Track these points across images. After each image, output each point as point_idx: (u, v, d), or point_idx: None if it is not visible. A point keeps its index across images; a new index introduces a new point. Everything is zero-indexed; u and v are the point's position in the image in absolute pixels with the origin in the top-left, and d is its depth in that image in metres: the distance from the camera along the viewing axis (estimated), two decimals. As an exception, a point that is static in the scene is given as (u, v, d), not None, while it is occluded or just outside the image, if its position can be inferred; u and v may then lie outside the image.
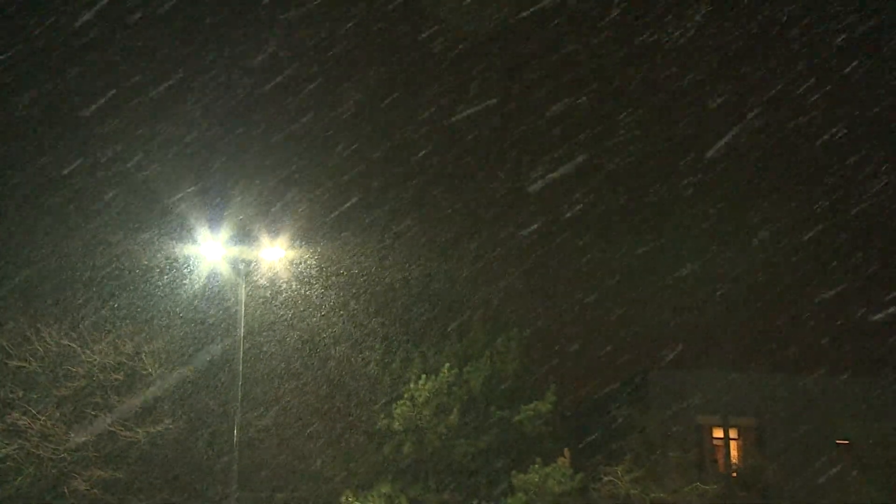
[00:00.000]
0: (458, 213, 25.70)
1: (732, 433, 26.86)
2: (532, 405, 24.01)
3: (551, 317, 26.32)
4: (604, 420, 25.32)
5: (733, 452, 26.82)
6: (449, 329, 24.98)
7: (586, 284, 26.43)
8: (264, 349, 23.47)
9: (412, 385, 23.61)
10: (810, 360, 26.37)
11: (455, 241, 25.54)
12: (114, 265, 22.81)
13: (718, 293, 26.51)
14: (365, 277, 24.41)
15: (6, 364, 21.99)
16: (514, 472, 23.28)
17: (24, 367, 22.12)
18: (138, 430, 22.36)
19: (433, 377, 23.54)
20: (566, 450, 23.49)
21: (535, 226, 26.60)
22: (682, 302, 26.66)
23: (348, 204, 25.25)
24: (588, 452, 24.42)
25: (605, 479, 23.93)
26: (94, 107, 24.38)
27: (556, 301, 26.31)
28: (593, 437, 25.01)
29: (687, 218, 26.48)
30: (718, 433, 26.81)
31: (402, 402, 23.57)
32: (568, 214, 27.58)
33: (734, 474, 26.34)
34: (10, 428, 21.78)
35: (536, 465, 23.07)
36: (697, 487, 23.73)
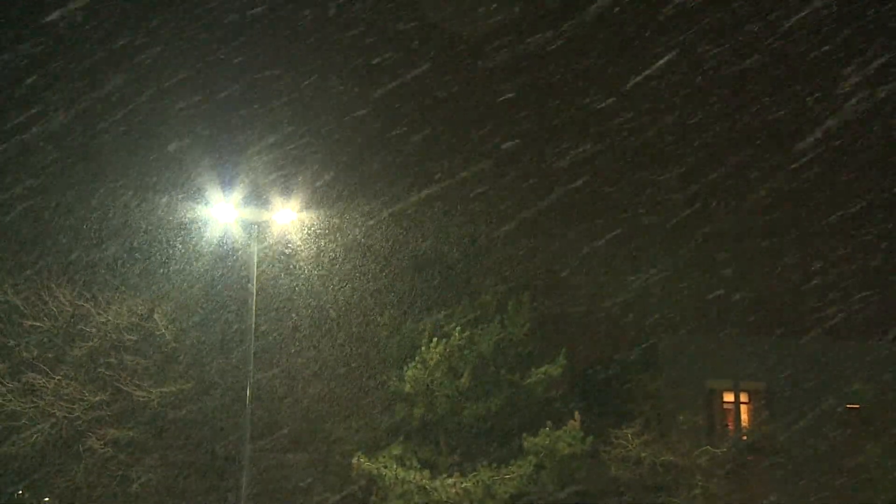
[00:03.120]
0: (470, 177, 25.31)
1: (743, 397, 26.85)
2: (543, 369, 24.00)
3: (562, 280, 25.78)
4: (614, 384, 25.33)
5: (744, 416, 26.83)
6: (460, 292, 24.89)
7: (597, 248, 25.90)
8: (276, 312, 23.43)
9: (423, 348, 23.55)
10: (821, 323, 26.08)
11: (467, 204, 25.27)
12: (127, 226, 22.82)
13: (729, 255, 26.18)
14: (377, 241, 24.32)
15: (21, 324, 22.16)
16: (524, 434, 23.29)
17: (39, 326, 22.28)
18: (152, 390, 22.53)
19: (444, 340, 23.45)
20: (576, 413, 23.37)
21: (547, 191, 26.02)
22: (694, 264, 26.34)
23: (361, 167, 25.41)
24: (598, 416, 24.36)
25: (616, 442, 24.08)
26: (106, 65, 24.17)
27: (567, 264, 25.85)
28: (604, 400, 25.02)
29: (698, 181, 26.14)
30: (729, 397, 26.81)
31: (413, 364, 23.53)
32: (579, 182, 27.14)
33: (744, 438, 26.31)
34: (26, 387, 22.03)
35: (547, 429, 23.09)
36: (707, 451, 23.79)
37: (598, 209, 27.45)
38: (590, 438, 23.22)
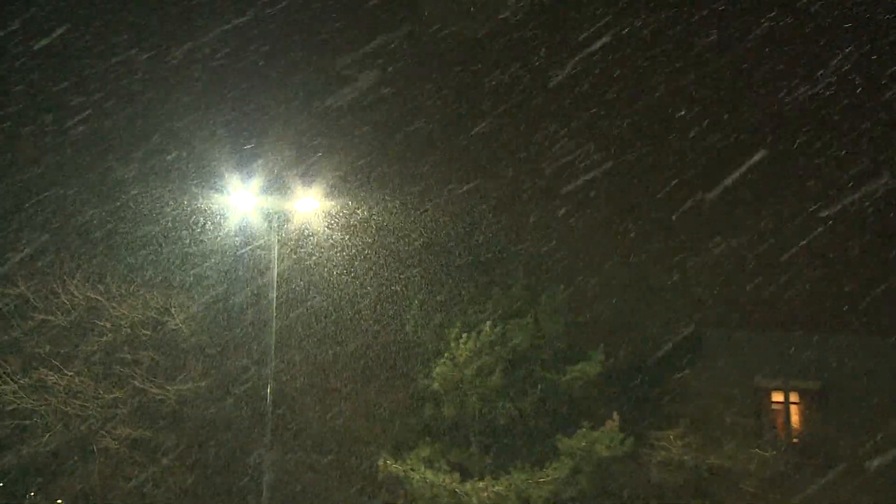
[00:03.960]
0: (502, 162, 24.32)
1: (793, 397, 25.53)
2: (579, 366, 23.09)
3: (600, 271, 24.80)
4: (655, 382, 23.97)
5: (794, 418, 25.55)
6: (491, 285, 23.90)
7: (638, 237, 24.84)
8: (298, 305, 22.75)
9: (453, 344, 22.75)
10: (880, 320, 24.64)
11: (498, 191, 24.42)
12: (142, 216, 22.27)
13: (782, 248, 24.92)
14: (404, 231, 23.64)
15: (32, 318, 21.59)
16: (559, 435, 22.47)
17: (51, 320, 21.69)
18: (168, 387, 21.93)
19: (475, 335, 22.60)
20: (615, 413, 22.52)
21: (582, 175, 24.85)
22: (742, 257, 25.16)
23: (388, 153, 24.58)
24: (638, 416, 23.24)
25: (657, 444, 23.03)
26: (120, 48, 23.44)
27: (605, 255, 24.81)
28: (644, 399, 23.74)
29: (750, 167, 24.82)
30: (778, 397, 25.56)
31: (442, 361, 22.74)
32: (609, 163, 25.92)
33: (795, 441, 25.19)
34: (38, 384, 21.45)
35: (583, 429, 22.27)
36: (756, 454, 22.77)
37: (638, 196, 26.13)
38: (629, 440, 22.32)
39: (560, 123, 25.10)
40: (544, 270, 24.25)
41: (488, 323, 22.74)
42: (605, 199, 25.20)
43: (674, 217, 25.08)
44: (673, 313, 24.55)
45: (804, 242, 24.74)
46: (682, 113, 26.33)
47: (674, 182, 25.40)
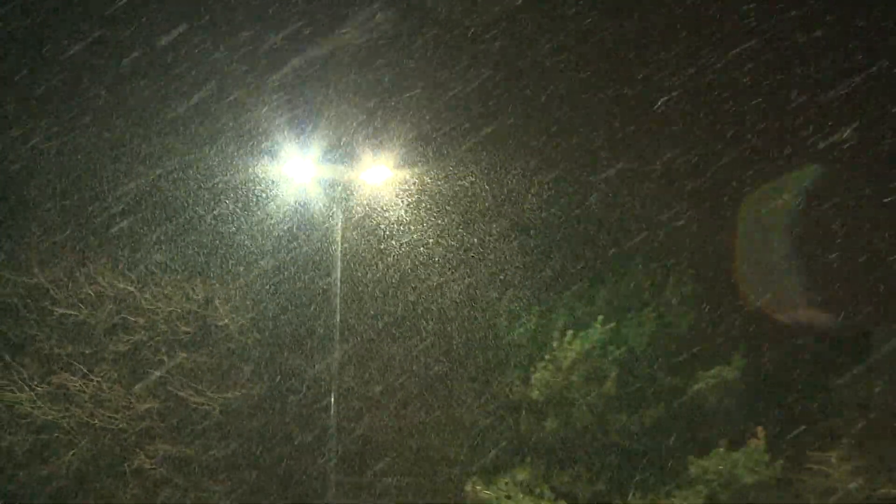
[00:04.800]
0: (613, 119, 21.23)
1: None
2: (713, 371, 20.93)
3: (735, 256, 21.99)
4: (810, 391, 21.63)
5: None
6: (602, 273, 21.87)
7: (785, 212, 21.67)
8: (366, 296, 20.71)
9: (555, 344, 20.90)
10: None
11: (609, 157, 21.46)
12: (180, 191, 20.00)
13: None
14: (494, 208, 21.43)
15: (51, 311, 19.50)
16: (690, 456, 20.50)
17: (73, 315, 19.62)
18: (212, 395, 20.01)
19: (582, 334, 20.80)
20: (759, 429, 20.36)
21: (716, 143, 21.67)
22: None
23: (475, 116, 21.37)
24: (789, 433, 20.96)
25: (814, 468, 20.61)
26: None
27: (741, 235, 22.05)
28: (796, 412, 21.45)
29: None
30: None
31: (542, 365, 20.91)
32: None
33: None
34: (59, 391, 19.50)
35: (721, 449, 20.21)
36: (945, 483, 20.05)
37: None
38: (778, 462, 20.24)
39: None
40: (668, 255, 22.03)
41: (599, 318, 21.06)
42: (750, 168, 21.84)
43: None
44: (832, 306, 21.92)
45: None
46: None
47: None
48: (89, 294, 19.52)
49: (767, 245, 22.69)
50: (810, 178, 22.44)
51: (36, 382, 19.25)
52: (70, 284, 19.49)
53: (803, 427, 21.10)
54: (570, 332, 20.78)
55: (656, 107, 21.72)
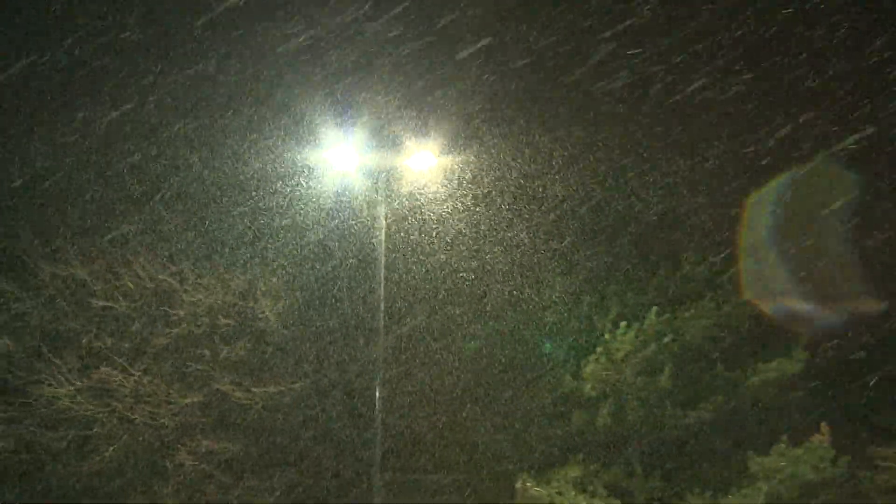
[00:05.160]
0: (671, 110, 20.41)
1: None
2: (774, 363, 20.11)
3: (803, 240, 20.89)
4: (876, 384, 20.73)
5: None
6: (656, 262, 21.14)
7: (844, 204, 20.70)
8: (412, 288, 20.12)
9: (608, 335, 20.32)
10: None
11: (664, 138, 20.62)
12: (220, 180, 19.45)
13: None
14: (544, 195, 20.73)
15: (90, 304, 19.04)
16: (749, 452, 19.65)
17: (113, 308, 19.17)
18: (254, 390, 19.41)
19: (636, 324, 20.12)
20: (823, 425, 19.58)
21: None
22: None
23: (524, 101, 20.64)
24: (854, 428, 20.32)
25: (881, 464, 19.83)
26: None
27: (810, 217, 20.85)
28: (861, 407, 20.72)
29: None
30: None
31: (594, 357, 20.30)
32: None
33: None
34: (99, 385, 19.03)
35: (782, 445, 19.40)
36: None
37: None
38: (843, 459, 19.41)
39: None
40: (725, 243, 21.26)
41: (654, 309, 20.38)
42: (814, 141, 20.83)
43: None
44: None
45: None
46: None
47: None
48: (129, 287, 19.10)
49: (826, 236, 21.95)
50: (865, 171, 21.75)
51: (75, 377, 18.85)
52: (110, 277, 19.08)
53: (868, 422, 20.45)
54: (623, 324, 20.14)
55: (716, 100, 20.99)
